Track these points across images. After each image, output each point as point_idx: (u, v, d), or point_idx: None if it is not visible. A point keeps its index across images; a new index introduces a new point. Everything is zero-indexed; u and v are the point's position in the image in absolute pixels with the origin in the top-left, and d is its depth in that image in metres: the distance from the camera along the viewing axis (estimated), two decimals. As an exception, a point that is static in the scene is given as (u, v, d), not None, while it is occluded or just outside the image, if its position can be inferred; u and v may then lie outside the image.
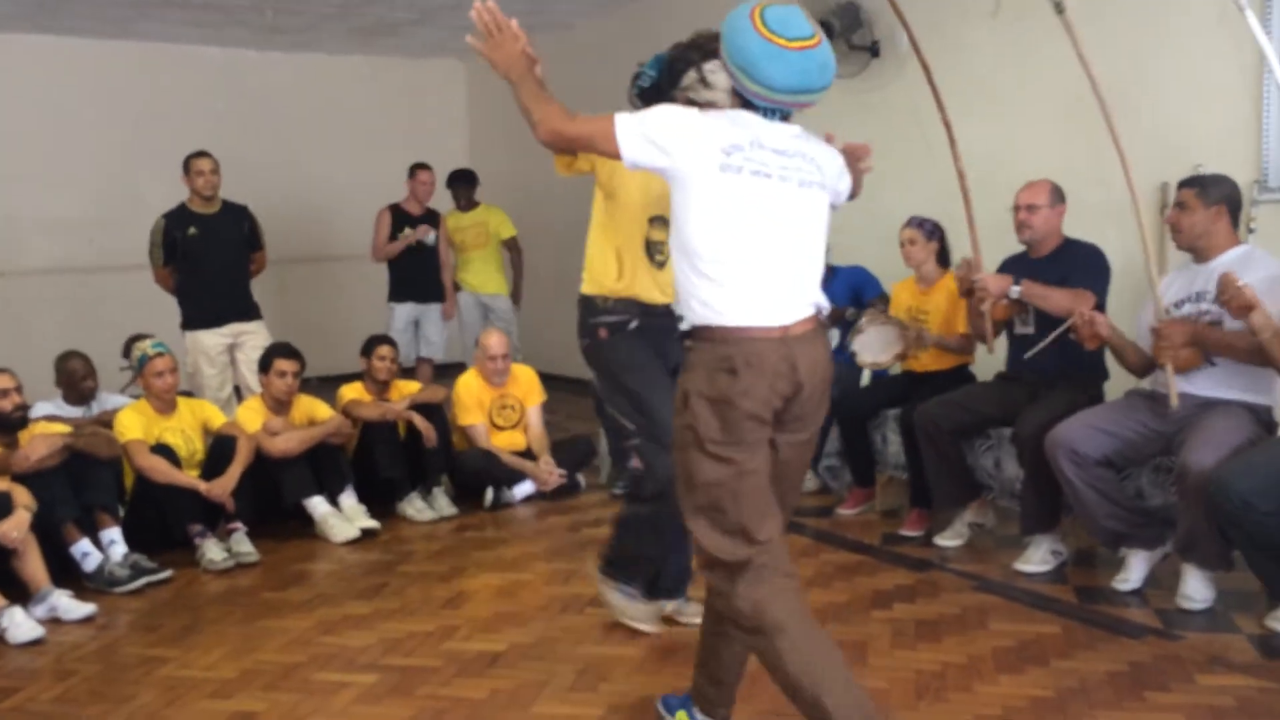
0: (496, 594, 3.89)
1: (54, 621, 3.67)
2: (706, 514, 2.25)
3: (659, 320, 3.20)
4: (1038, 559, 3.86)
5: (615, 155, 2.28)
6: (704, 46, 2.54)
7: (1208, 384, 3.49)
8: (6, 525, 3.66)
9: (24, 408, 4.10)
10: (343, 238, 8.56)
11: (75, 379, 4.79)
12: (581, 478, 5.38)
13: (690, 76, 2.57)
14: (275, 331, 5.72)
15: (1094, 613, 3.44)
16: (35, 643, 3.50)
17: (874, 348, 4.37)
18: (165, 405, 4.55)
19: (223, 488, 4.35)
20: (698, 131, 2.22)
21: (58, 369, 4.85)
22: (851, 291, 5.02)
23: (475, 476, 5.10)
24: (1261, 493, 3.03)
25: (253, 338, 5.67)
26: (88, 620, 3.71)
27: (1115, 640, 3.21)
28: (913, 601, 3.57)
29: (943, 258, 4.56)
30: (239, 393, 5.78)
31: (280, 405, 4.78)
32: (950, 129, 3.64)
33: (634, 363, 3.13)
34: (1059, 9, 3.24)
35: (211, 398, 5.42)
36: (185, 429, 4.57)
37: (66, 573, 3.97)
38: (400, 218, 6.71)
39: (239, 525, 4.40)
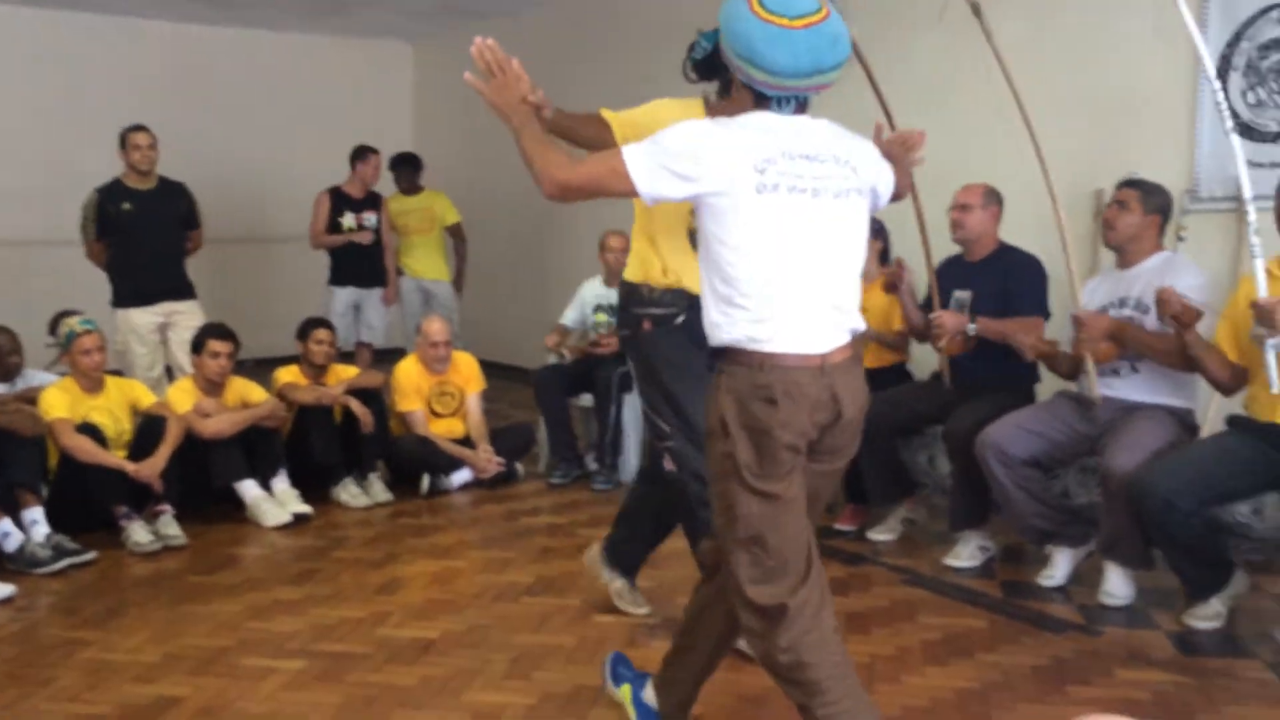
0: (430, 581, 3.86)
1: (-28, 602, 3.58)
2: (748, 550, 2.13)
3: None
4: (966, 555, 3.93)
5: (631, 193, 2.09)
6: None
7: (1131, 388, 3.58)
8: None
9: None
10: (282, 219, 8.42)
11: (0, 354, 4.66)
12: (520, 466, 5.36)
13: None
14: (210, 312, 5.61)
15: (1019, 607, 3.51)
16: (-49, 624, 3.42)
17: None
18: (92, 383, 4.45)
19: (151, 469, 4.26)
20: (724, 150, 2.03)
21: (-19, 343, 4.71)
22: None
23: (412, 463, 5.06)
24: (1182, 493, 3.11)
25: (185, 317, 5.56)
26: (7, 601, 3.62)
27: (1039, 635, 3.28)
28: (845, 594, 3.61)
29: (884, 257, 4.61)
30: (170, 373, 5.68)
31: (213, 387, 4.70)
32: (894, 128, 3.68)
33: (676, 361, 2.89)
34: (975, 10, 3.29)
35: (141, 377, 5.32)
36: (113, 408, 4.47)
37: (-14, 553, 3.87)
38: (340, 201, 6.61)
39: (166, 507, 4.32)
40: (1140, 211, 3.60)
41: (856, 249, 2.18)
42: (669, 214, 2.86)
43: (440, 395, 5.24)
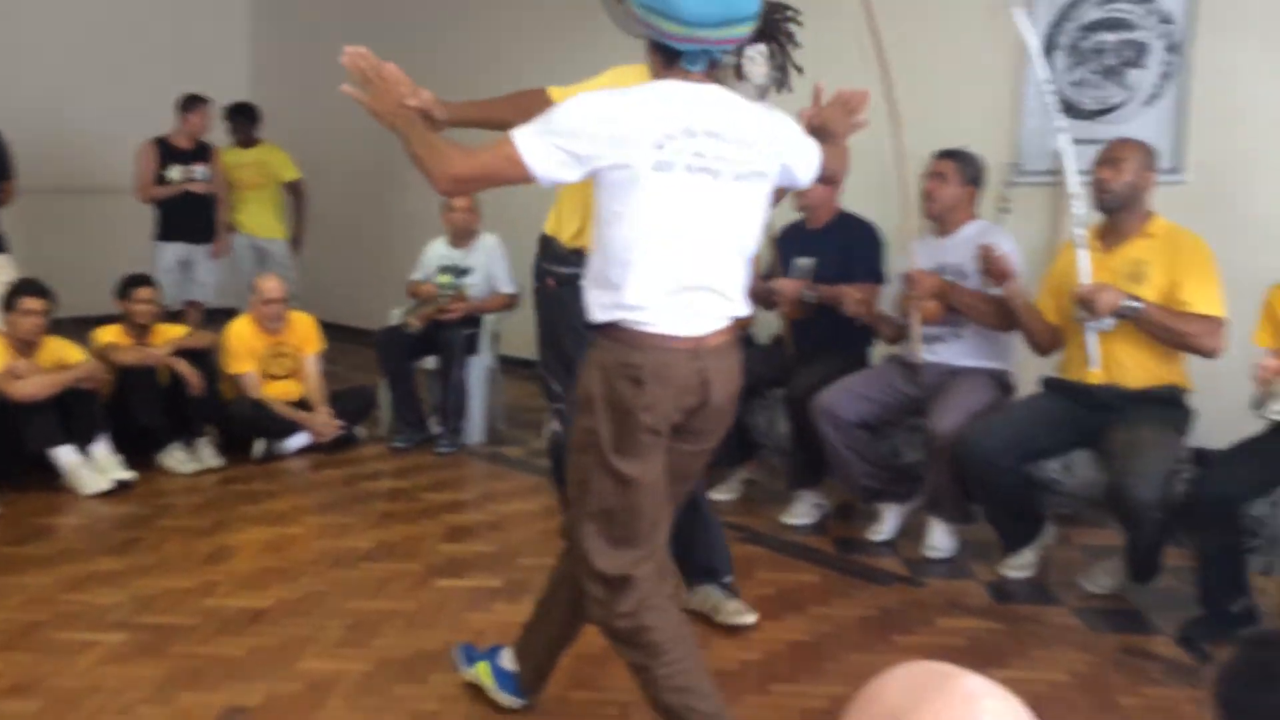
0: (263, 549, 3.74)
1: None
2: (597, 521, 2.13)
3: None
4: (802, 513, 4.06)
5: (527, 180, 2.01)
6: (765, 19, 2.28)
7: (953, 353, 3.74)
8: None
9: None
10: (105, 168, 7.90)
11: None
12: (361, 430, 5.24)
13: (727, 57, 2.32)
14: (26, 267, 5.25)
15: (850, 562, 3.65)
16: None
17: None
18: (-112, 343, 4.12)
19: (-44, 434, 3.98)
20: (622, 126, 1.95)
21: None
22: None
23: (244, 427, 4.88)
24: (1001, 452, 3.30)
25: (-4, 273, 5.20)
26: None
27: (868, 588, 3.42)
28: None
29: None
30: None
31: (26, 346, 4.40)
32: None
33: (575, 324, 2.74)
34: None
35: (-54, 337, 4.95)
36: (-88, 370, 4.16)
37: None
38: (167, 153, 6.26)
39: (-26, 475, 4.05)
40: (958, 182, 3.75)
41: (749, 234, 2.12)
42: None
43: (275, 356, 5.06)
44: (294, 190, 6.90)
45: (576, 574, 2.24)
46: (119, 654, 2.86)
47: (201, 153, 6.34)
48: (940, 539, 3.67)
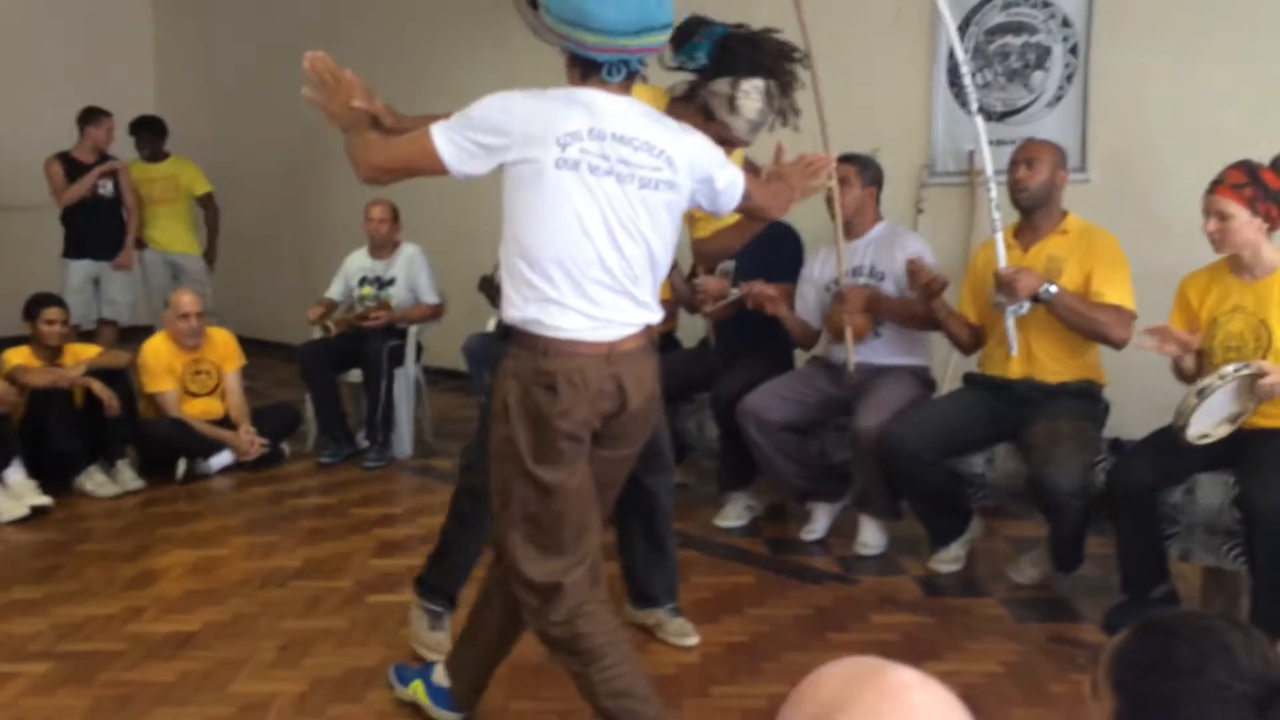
0: (189, 571, 3.66)
1: None
2: (522, 529, 2.13)
3: None
4: (734, 515, 4.09)
5: (441, 172, 2.06)
6: (757, 54, 2.32)
7: (874, 352, 3.80)
8: None
9: None
10: (6, 187, 7.67)
11: None
12: (285, 446, 5.15)
13: (722, 85, 2.38)
14: (-77, 288, 5.07)
15: (784, 562, 3.70)
16: None
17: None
18: None
19: None
20: (529, 121, 2.00)
21: None
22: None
23: (165, 447, 4.76)
24: (925, 447, 3.37)
25: (-106, 295, 5.00)
26: None
27: (802, 587, 3.47)
28: (615, 558, 3.68)
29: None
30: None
31: (-70, 371, 4.25)
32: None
33: None
34: None
35: None
36: None
37: None
38: (71, 167, 6.10)
39: (-122, 507, 3.89)
40: (860, 185, 3.82)
41: (660, 241, 2.12)
42: None
43: (195, 374, 4.95)
44: (205, 204, 6.76)
45: (508, 583, 2.24)
46: (43, 684, 2.77)
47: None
48: (871, 536, 3.74)
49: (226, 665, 2.89)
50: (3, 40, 7.99)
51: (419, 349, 5.30)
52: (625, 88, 2.10)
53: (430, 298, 5.22)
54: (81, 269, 6.16)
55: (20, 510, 4.17)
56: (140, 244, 6.48)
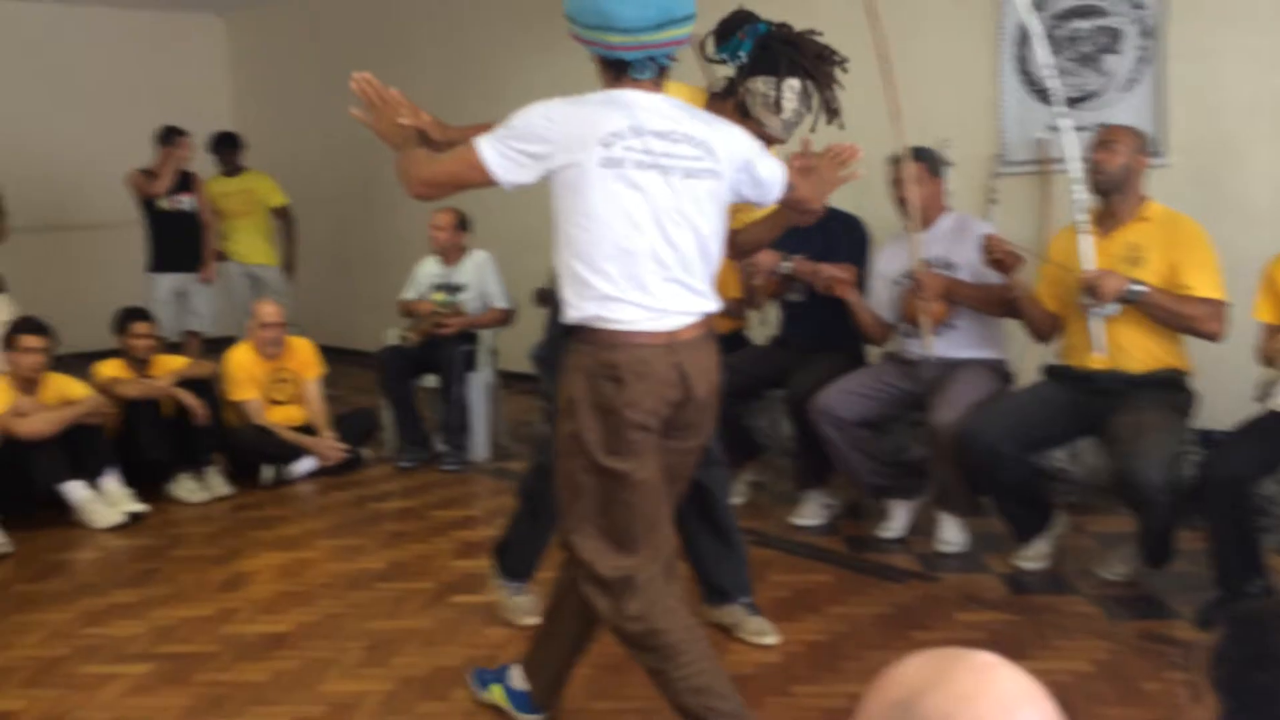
0: (278, 574, 3.75)
1: None
2: (593, 524, 2.16)
3: None
4: (811, 513, 4.07)
5: (489, 184, 2.12)
6: (795, 55, 2.35)
7: (949, 345, 3.75)
8: None
9: None
10: (91, 204, 7.94)
11: None
12: (366, 451, 5.25)
13: (759, 84, 2.42)
14: (23, 306, 5.25)
15: (862, 560, 3.67)
16: None
17: None
18: (-109, 387, 4.12)
19: (-37, 475, 3.98)
20: (571, 126, 2.07)
21: None
22: None
23: (251, 454, 4.89)
24: (1005, 440, 3.31)
25: (-8, 312, 5.19)
26: None
27: (882, 585, 3.44)
28: (684, 559, 3.69)
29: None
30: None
31: (28, 384, 4.40)
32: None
33: None
34: None
35: (-54, 378, 4.95)
36: (-83, 412, 4.16)
37: None
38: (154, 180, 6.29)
39: (-15, 515, 4.05)
40: (929, 179, 3.78)
41: (709, 228, 2.17)
42: None
43: (277, 382, 5.07)
44: (282, 216, 6.90)
45: (579, 583, 2.26)
46: (143, 685, 2.87)
47: (184, 183, 6.34)
48: (951, 533, 3.69)
49: (316, 665, 2.96)
50: (85, 64, 8.27)
51: (492, 353, 5.37)
52: (657, 85, 2.15)
53: (500, 303, 5.28)
54: (166, 283, 6.34)
55: (117, 517, 4.31)
56: (221, 256, 6.65)
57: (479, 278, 5.29)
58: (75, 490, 4.32)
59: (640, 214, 2.08)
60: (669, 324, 2.12)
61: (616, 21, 2.02)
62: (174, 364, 4.93)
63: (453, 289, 5.31)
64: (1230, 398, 3.26)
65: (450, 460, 5.07)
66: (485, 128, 2.18)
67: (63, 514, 4.32)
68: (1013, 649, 2.90)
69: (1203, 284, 3.17)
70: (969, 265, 3.69)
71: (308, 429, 5.05)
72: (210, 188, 6.55)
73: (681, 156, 2.10)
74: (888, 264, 3.90)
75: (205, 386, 4.85)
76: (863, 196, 3.99)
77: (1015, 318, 3.64)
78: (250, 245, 6.75)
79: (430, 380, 5.27)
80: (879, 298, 3.92)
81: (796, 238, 4.15)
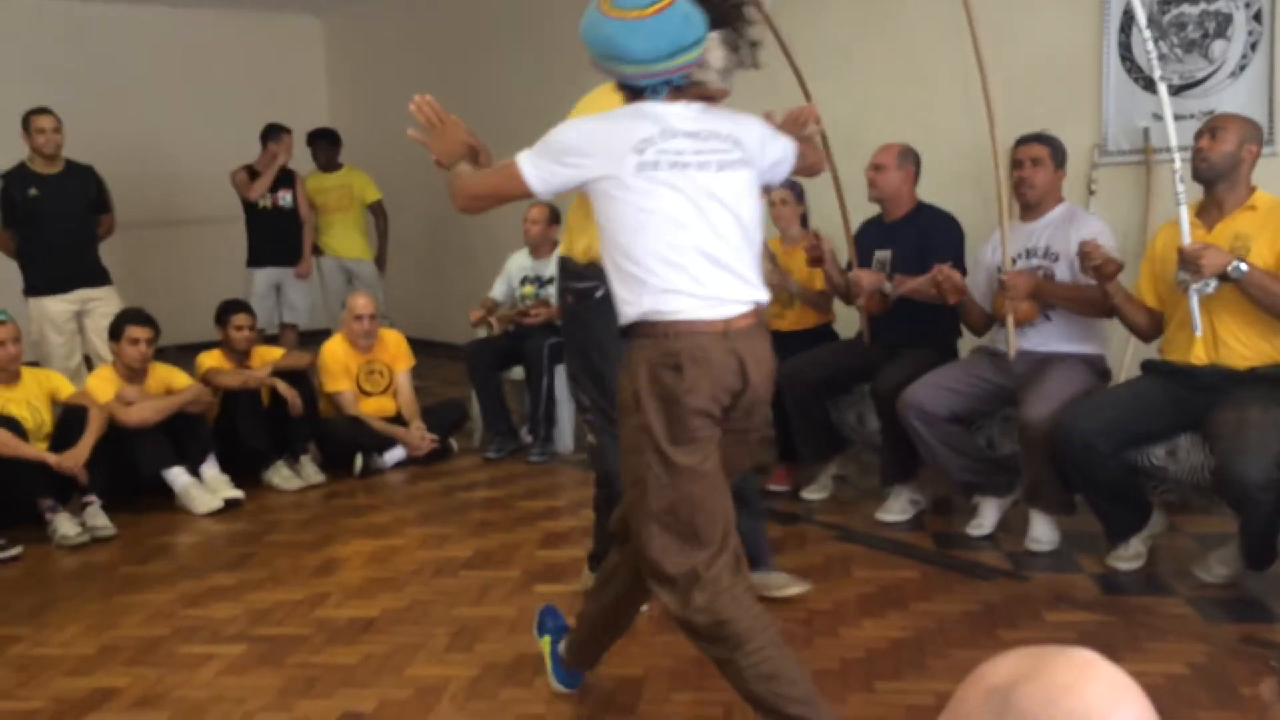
0: (368, 560, 3.84)
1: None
2: (660, 520, 2.18)
3: None
4: (897, 509, 4.02)
5: (528, 195, 2.25)
6: (705, 8, 2.37)
7: (1044, 338, 3.67)
8: None
9: None
10: (195, 200, 8.23)
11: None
12: (454, 442, 5.34)
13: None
14: (127, 298, 5.48)
15: (950, 557, 3.61)
16: None
17: None
18: (8, 376, 4.32)
19: (74, 460, 4.16)
20: (605, 136, 2.17)
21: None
22: None
23: (343, 444, 5.01)
24: (1100, 436, 3.22)
25: (102, 304, 5.41)
26: (-71, 602, 3.52)
27: (969, 582, 3.38)
28: (781, 553, 3.66)
29: (804, 220, 4.67)
30: (89, 362, 5.53)
31: (134, 374, 4.59)
32: (808, 95, 3.70)
33: (597, 337, 2.90)
34: None
35: (59, 367, 5.18)
36: (31, 400, 4.35)
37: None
38: (254, 180, 6.49)
39: (93, 499, 4.22)
40: (1052, 166, 3.70)
41: (749, 219, 2.25)
42: None
43: (369, 374, 5.19)
44: (376, 211, 7.06)
45: (629, 566, 2.33)
46: (238, 665, 2.96)
47: (285, 179, 6.54)
48: (1042, 531, 3.60)
49: (404, 649, 3.02)
50: (188, 65, 8.57)
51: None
52: (674, 98, 2.23)
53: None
54: (265, 276, 6.54)
55: (215, 502, 4.46)
56: (316, 251, 6.83)
57: (566, 272, 5.32)
58: (178, 476, 4.49)
59: (682, 210, 2.15)
60: (723, 312, 2.17)
61: (629, 55, 2.13)
62: (271, 355, 5.09)
63: (542, 282, 5.36)
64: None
65: (536, 451, 5.13)
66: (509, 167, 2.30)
67: (165, 499, 4.50)
68: (1104, 650, 2.73)
69: (1311, 272, 3.04)
70: (1070, 258, 3.59)
71: (398, 420, 5.16)
72: (308, 183, 6.73)
73: (714, 151, 2.19)
74: (990, 254, 3.83)
75: (301, 378, 4.99)
76: (961, 191, 3.93)
77: (1111, 317, 3.54)
78: (345, 240, 6.91)
79: (517, 372, 5.34)
80: (979, 287, 3.85)
81: (890, 235, 4.12)
